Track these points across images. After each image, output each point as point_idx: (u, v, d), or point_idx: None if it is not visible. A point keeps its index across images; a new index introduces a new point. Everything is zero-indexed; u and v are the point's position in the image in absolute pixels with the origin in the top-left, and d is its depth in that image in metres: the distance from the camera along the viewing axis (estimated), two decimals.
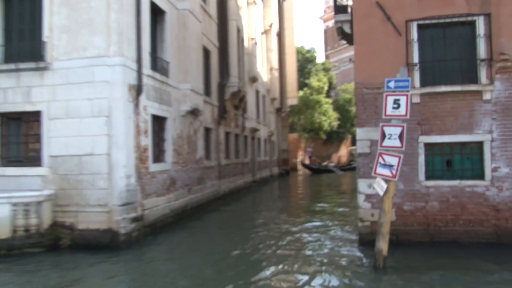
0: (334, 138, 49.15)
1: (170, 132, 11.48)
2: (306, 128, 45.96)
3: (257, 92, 24.90)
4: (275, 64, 29.04)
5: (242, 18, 20.04)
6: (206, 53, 15.26)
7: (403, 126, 6.59)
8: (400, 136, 6.57)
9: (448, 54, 8.16)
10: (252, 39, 22.49)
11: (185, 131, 12.59)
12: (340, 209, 13.70)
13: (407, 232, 8.05)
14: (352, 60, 17.88)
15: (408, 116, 6.59)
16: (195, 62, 13.11)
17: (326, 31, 79.96)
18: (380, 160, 6.67)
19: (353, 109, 49.04)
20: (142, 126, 9.79)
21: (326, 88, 45.68)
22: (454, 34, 8.13)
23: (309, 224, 11.06)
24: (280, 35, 31.55)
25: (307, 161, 43.39)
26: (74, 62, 8.99)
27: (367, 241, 8.22)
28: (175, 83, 11.99)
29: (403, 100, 6.63)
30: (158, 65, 11.01)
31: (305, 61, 49.23)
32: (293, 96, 32.95)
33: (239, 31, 18.78)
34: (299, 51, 45.61)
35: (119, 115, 8.86)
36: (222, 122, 16.73)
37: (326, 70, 50.35)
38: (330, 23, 79.98)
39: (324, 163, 43.13)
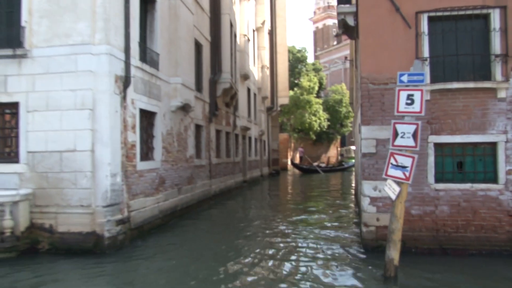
0: (324, 138, 48.89)
1: (160, 128, 10.78)
2: (296, 128, 45.52)
3: (249, 90, 24.28)
4: (267, 62, 28.45)
5: (235, 14, 19.40)
6: (198, 47, 14.58)
7: (417, 124, 6.04)
8: (414, 135, 6.02)
9: (460, 48, 7.65)
10: (245, 35, 21.86)
11: (175, 127, 11.89)
12: (332, 211, 13.15)
13: (414, 238, 7.51)
14: (348, 59, 17.42)
15: (423, 113, 6.04)
16: (187, 55, 12.42)
17: (315, 33, 79.91)
18: (392, 160, 6.11)
19: (343, 109, 48.81)
20: (130, 121, 9.08)
21: (316, 88, 45.33)
22: (467, 27, 7.62)
23: (304, 228, 10.47)
24: (272, 33, 30.97)
25: (297, 161, 42.96)
26: (55, 49, 8.24)
27: (371, 248, 7.67)
28: (165, 77, 11.30)
29: (417, 96, 6.08)
30: (147, 56, 10.30)
31: (296, 61, 48.74)
32: (284, 96, 32.41)
33: (232, 26, 18.13)
34: (290, 51, 45.08)
35: (104, 108, 8.14)
36: (213, 119, 16.06)
37: (316, 70, 50.03)
38: (320, 24, 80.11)
39: (315, 163, 42.72)
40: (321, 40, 75.43)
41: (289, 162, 41.99)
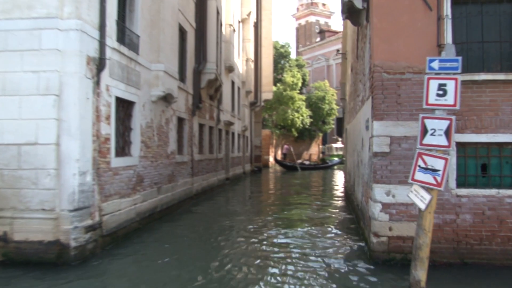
0: (306, 136, 48.19)
1: (138, 119, 9.54)
2: (278, 125, 44.60)
3: (233, 84, 23.12)
4: (251, 55, 27.31)
5: (221, 1, 18.20)
6: (182, 33, 13.34)
7: (451, 120, 5.05)
8: (447, 132, 5.04)
9: (486, 35, 6.74)
10: (230, 25, 20.65)
11: (156, 119, 10.66)
12: (324, 215, 12.21)
13: (432, 250, 6.51)
14: (340, 52, 16.49)
15: (457, 107, 5.07)
16: (170, 40, 11.19)
17: (298, 29, 79.08)
18: (420, 162, 5.11)
19: (326, 106, 48.19)
20: (103, 110, 7.83)
21: (300, 84, 44.50)
22: (495, 11, 6.71)
23: (293, 233, 9.44)
24: (257, 26, 29.84)
25: (278, 157, 42.07)
26: (15, 23, 6.92)
27: (382, 261, 6.71)
28: (146, 62, 10.05)
29: (450, 86, 5.09)
30: (126, 38, 9.04)
31: (279, 56, 47.72)
32: (268, 90, 31.36)
33: (218, 13, 16.92)
34: (273, 46, 44.08)
35: (73, 94, 6.88)
36: (197, 112, 14.86)
37: (299, 66, 49.21)
38: (303, 21, 79.33)
39: (299, 161, 42.06)
40: (303, 37, 74.73)
41: (271, 159, 41.08)
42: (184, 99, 13.28)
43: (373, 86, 6.97)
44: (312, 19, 77.15)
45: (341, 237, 9.11)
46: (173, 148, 12.10)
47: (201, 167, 15.61)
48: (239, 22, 25.18)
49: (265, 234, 9.33)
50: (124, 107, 8.99)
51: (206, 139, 16.54)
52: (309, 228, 10.05)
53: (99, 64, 7.53)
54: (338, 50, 15.65)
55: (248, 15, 26.73)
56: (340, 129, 50.99)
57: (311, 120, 45.91)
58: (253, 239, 8.82)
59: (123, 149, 8.99)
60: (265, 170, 34.36)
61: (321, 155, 50.38)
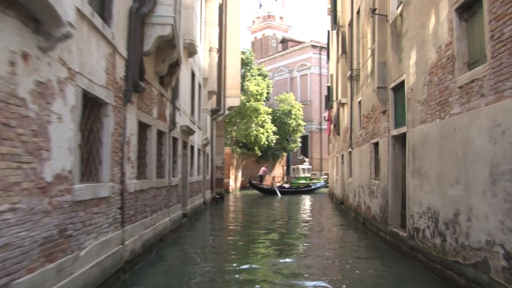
0: (269, 155, 41.71)
1: None
2: (239, 142, 37.75)
3: (193, 76, 16.07)
4: (215, 44, 20.46)
5: None
6: None
7: None
8: None
9: None
10: None
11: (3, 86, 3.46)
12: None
13: None
14: (376, 12, 9.85)
15: None
16: None
17: (253, 43, 73.63)
18: None
19: (292, 122, 42.18)
20: None
21: (265, 94, 38.22)
22: None
23: None
24: (222, 11, 23.19)
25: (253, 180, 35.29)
26: None
27: None
28: None
29: None
30: None
31: (241, 64, 41.36)
32: (234, 95, 24.50)
33: None
34: None
35: None
36: (135, 99, 7.68)
37: (262, 75, 43.10)
38: (259, 35, 74.07)
39: (278, 184, 36.04)
40: (259, 51, 69.36)
41: (232, 183, 33.98)
42: (104, 58, 6.05)
43: None
44: (269, 32, 72.55)
45: None
46: (64, 167, 4.79)
47: (141, 205, 8.28)
48: None
49: None
50: None
51: (152, 152, 9.27)
52: None
53: None
54: (372, 9, 9.06)
55: None
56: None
57: (277, 137, 39.59)
58: None
59: None
60: (226, 196, 27.20)
61: (285, 177, 44.01)
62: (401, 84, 9.15)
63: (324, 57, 49.28)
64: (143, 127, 8.77)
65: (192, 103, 15.96)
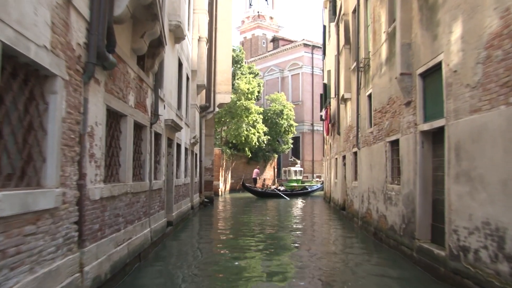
0: (260, 157, 40.02)
1: None
2: (229, 142, 35.94)
3: (180, 66, 14.20)
4: (205, 34, 18.64)
5: None
6: None
7: None
8: None
9: None
10: None
11: None
12: None
13: None
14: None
15: None
16: None
17: (243, 43, 71.82)
18: None
19: (284, 123, 40.52)
20: None
21: (256, 93, 36.49)
22: None
23: None
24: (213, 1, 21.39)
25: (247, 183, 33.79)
26: None
27: None
28: None
29: None
30: None
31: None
32: (225, 91, 22.68)
33: None
34: None
35: None
36: (103, 78, 5.82)
37: (253, 74, 41.45)
38: (249, 35, 72.29)
39: (273, 186, 34.65)
40: (248, 52, 67.69)
41: (222, 186, 32.14)
42: (47, 7, 4.22)
43: None
44: (258, 32, 71.02)
45: None
46: None
47: (111, 215, 6.40)
48: None
49: None
50: None
51: (128, 149, 7.39)
52: None
53: None
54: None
55: None
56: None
57: (268, 137, 37.89)
58: None
59: None
60: (216, 200, 25.34)
61: (276, 180, 42.27)
62: (436, 67, 7.45)
63: (316, 56, 47.78)
64: (115, 117, 6.92)
65: (179, 97, 14.11)
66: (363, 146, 13.32)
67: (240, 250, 10.24)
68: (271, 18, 74.12)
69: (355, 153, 14.84)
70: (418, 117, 8.26)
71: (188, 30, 15.85)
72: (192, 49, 17.24)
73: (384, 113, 10.78)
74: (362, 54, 13.60)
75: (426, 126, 7.91)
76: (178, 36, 12.51)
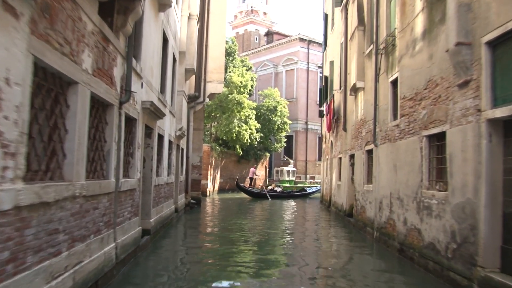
0: (251, 155, 37.73)
1: None
2: (219, 139, 33.60)
3: (165, 42, 11.84)
4: (196, 11, 16.29)
5: None
6: None
7: None
8: None
9: None
10: None
11: None
12: None
13: None
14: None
15: None
16: None
17: (236, 38, 69.57)
18: None
19: (277, 120, 38.28)
20: None
21: (249, 87, 34.19)
22: None
23: None
24: None
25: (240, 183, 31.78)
26: None
27: None
28: None
29: None
30: None
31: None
32: (216, 80, 20.31)
33: None
34: None
35: None
36: (25, 7, 3.50)
37: (246, 67, 39.21)
38: (241, 30, 69.98)
39: (270, 187, 32.78)
40: (241, 47, 65.40)
41: (210, 185, 29.82)
42: None
43: None
44: (251, 28, 68.92)
45: None
46: None
47: (39, 233, 4.06)
48: None
49: None
50: None
51: (79, 133, 5.03)
52: None
53: None
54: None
55: None
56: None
57: (261, 135, 35.60)
58: None
59: None
60: (203, 201, 22.96)
61: (268, 180, 40.00)
62: None
63: (312, 52, 45.63)
64: (57, 82, 4.57)
65: (162, 78, 11.75)
66: (383, 142, 11.11)
67: (233, 265, 7.92)
68: (265, 13, 72.24)
69: (369, 151, 12.65)
70: (483, 101, 6.06)
71: (176, 3, 13.51)
72: (181, 27, 14.88)
73: (419, 100, 8.57)
74: (384, 33, 11.40)
75: (497, 113, 5.72)
76: (163, 2, 10.17)
